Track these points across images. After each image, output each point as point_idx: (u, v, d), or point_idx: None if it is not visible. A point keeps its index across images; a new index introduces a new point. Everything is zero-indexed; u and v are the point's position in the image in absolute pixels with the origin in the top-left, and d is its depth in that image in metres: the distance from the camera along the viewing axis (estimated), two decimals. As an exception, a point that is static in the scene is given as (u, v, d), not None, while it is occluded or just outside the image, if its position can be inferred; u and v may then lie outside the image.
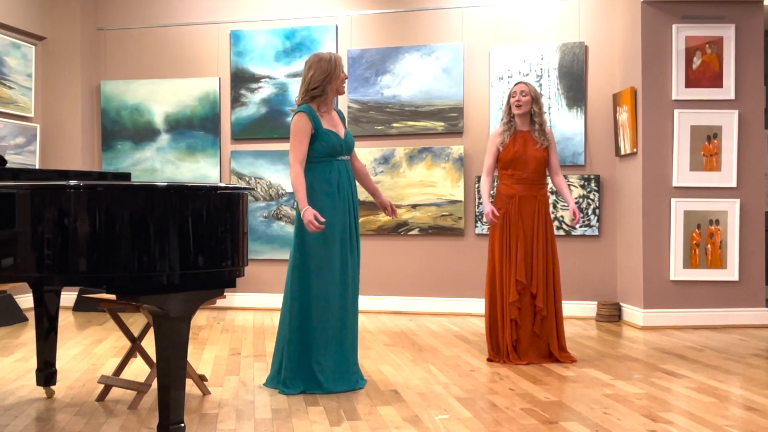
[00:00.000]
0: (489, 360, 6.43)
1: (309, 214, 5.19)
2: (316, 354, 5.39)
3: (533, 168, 6.45)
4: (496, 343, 6.45)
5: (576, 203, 6.61)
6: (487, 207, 6.42)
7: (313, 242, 5.39)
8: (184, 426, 3.93)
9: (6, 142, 8.91)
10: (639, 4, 8.20)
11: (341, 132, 5.55)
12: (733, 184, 8.13)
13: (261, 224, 9.60)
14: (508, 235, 6.41)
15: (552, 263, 6.43)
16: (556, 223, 8.68)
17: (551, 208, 8.56)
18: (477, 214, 9.03)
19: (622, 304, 8.64)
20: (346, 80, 5.58)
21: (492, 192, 6.74)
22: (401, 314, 9.12)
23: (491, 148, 6.58)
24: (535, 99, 6.47)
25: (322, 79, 5.42)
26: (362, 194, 9.15)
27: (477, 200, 9.02)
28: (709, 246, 8.14)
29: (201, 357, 6.62)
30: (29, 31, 9.44)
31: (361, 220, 9.18)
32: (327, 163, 5.44)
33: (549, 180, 6.67)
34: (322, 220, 5.23)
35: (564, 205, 8.71)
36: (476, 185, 9.00)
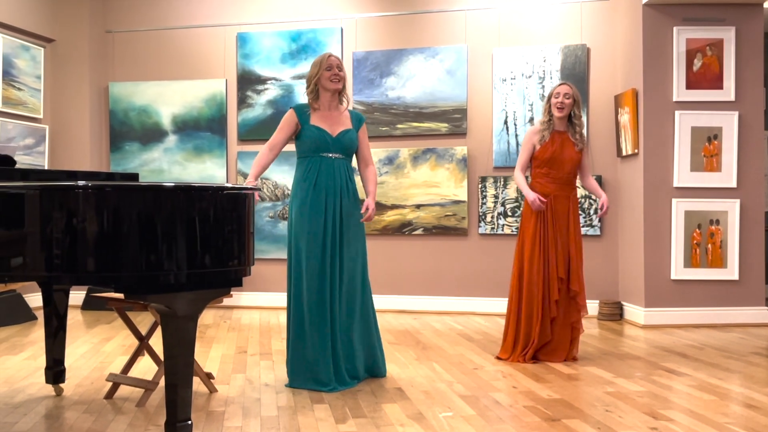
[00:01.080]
0: (498, 358, 6.43)
1: (248, 183, 5.42)
2: (291, 349, 5.51)
3: (569, 169, 6.43)
4: (517, 340, 6.42)
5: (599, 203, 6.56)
6: (531, 194, 6.33)
7: (292, 240, 5.52)
8: (191, 423, 3.93)
9: (15, 143, 8.94)
10: (640, 6, 8.23)
11: (335, 130, 5.58)
12: (733, 184, 8.17)
13: (267, 224, 9.66)
14: (543, 234, 6.36)
15: (580, 262, 6.42)
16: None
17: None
18: (480, 214, 9.08)
19: (623, 302, 8.69)
20: (334, 77, 5.57)
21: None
22: (406, 313, 9.16)
23: (527, 144, 6.49)
24: (577, 102, 6.41)
25: (310, 80, 5.62)
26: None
27: (480, 200, 9.08)
28: (709, 246, 8.17)
29: (208, 355, 6.65)
30: (38, 33, 9.49)
31: (376, 217, 9.25)
32: (310, 158, 5.56)
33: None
34: (258, 197, 5.41)
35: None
36: (479, 185, 9.05)
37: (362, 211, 5.60)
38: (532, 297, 6.34)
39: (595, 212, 8.77)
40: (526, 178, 6.62)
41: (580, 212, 8.26)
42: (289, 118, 5.64)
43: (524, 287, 6.39)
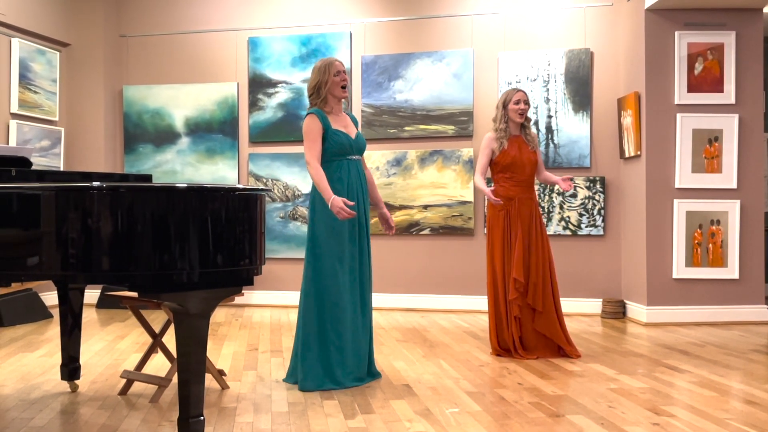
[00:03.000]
0: (498, 355, 6.51)
1: (338, 202, 5.23)
2: (328, 350, 5.42)
3: (529, 171, 6.62)
4: (502, 339, 6.54)
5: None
6: (494, 198, 6.50)
7: (325, 240, 5.43)
8: (204, 419, 3.96)
9: (31, 145, 9.00)
10: (643, 11, 8.29)
11: (352, 133, 5.63)
12: (734, 185, 8.22)
13: (278, 224, 9.73)
14: (509, 235, 6.53)
15: (548, 261, 6.54)
16: (562, 224, 8.82)
17: (558, 209, 8.74)
18: (486, 214, 9.14)
19: (626, 301, 8.73)
20: (344, 83, 5.60)
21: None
22: (413, 311, 9.23)
23: (486, 150, 6.67)
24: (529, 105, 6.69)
25: (314, 86, 5.58)
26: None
27: (485, 201, 9.14)
28: (710, 245, 8.21)
29: (220, 352, 6.71)
30: (54, 37, 9.60)
31: (373, 220, 9.35)
32: (338, 162, 5.52)
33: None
34: (351, 203, 5.32)
35: (570, 206, 8.83)
36: (485, 186, 9.14)
37: (385, 227, 5.92)
38: (505, 297, 6.52)
39: (599, 213, 8.85)
40: (488, 183, 6.78)
41: (584, 212, 8.36)
42: (315, 126, 5.48)
43: (498, 287, 6.56)
